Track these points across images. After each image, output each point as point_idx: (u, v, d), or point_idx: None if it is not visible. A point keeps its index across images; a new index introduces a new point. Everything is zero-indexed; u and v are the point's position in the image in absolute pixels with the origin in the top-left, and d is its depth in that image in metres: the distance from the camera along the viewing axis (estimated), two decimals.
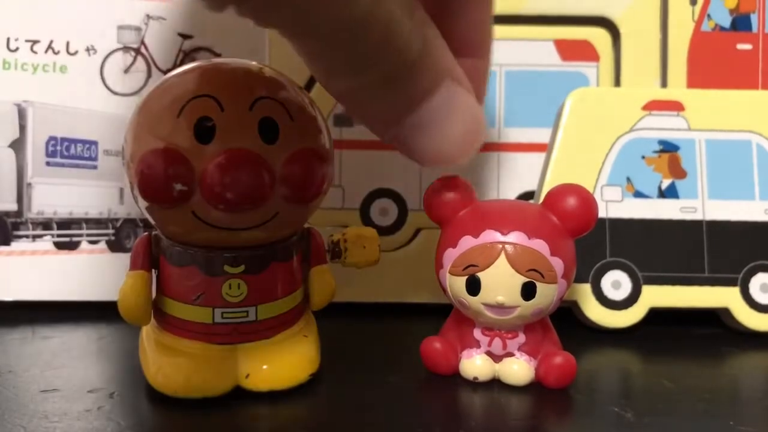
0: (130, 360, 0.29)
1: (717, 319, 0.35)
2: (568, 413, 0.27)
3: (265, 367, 0.27)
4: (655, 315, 0.34)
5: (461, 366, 0.28)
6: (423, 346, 0.28)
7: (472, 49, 0.27)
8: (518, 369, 0.27)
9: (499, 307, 0.26)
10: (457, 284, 0.27)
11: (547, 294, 0.26)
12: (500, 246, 0.26)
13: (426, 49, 0.22)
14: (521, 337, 0.28)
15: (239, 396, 0.26)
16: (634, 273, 0.34)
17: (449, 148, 0.25)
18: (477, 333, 0.28)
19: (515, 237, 0.26)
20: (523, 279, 0.26)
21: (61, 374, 0.29)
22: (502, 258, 0.26)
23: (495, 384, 0.28)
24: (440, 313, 0.36)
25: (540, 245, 0.26)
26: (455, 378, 0.28)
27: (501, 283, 0.26)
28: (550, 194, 0.28)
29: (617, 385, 0.30)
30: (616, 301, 0.34)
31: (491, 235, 0.26)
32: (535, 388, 0.27)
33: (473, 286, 0.26)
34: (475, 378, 0.28)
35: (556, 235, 0.27)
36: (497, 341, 0.28)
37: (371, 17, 0.20)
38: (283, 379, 0.27)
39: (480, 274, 0.26)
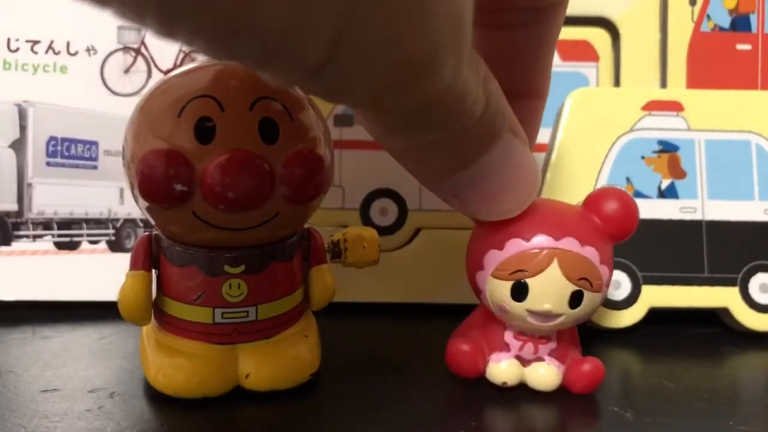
0: (131, 360, 0.29)
1: (717, 319, 0.35)
2: (567, 412, 0.27)
3: (265, 367, 0.27)
4: (655, 315, 0.34)
5: (489, 370, 0.27)
6: (450, 347, 0.27)
7: (534, 91, 0.27)
8: (545, 374, 0.27)
9: (545, 315, 0.25)
10: (499, 289, 0.26)
11: (592, 302, 0.26)
12: (553, 252, 0.25)
13: (488, 106, 0.21)
14: (552, 343, 0.27)
15: (239, 396, 0.26)
16: (634, 273, 0.34)
17: (504, 203, 0.24)
18: (508, 336, 0.27)
19: (568, 243, 0.25)
20: (573, 287, 0.25)
21: (61, 374, 0.29)
22: (554, 265, 0.25)
23: (496, 385, 0.28)
24: (440, 313, 0.36)
25: (591, 253, 0.25)
26: (455, 377, 0.28)
27: (550, 290, 0.25)
28: (590, 198, 0.27)
29: (617, 385, 0.30)
30: (616, 301, 0.34)
31: (544, 240, 0.25)
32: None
33: (520, 292, 0.25)
34: (504, 383, 0.27)
35: (603, 241, 0.26)
36: (529, 345, 0.27)
37: (450, 89, 0.19)
38: (284, 379, 0.27)
39: (528, 280, 0.25)
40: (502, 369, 0.27)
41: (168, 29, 0.15)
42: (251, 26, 0.15)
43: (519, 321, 0.26)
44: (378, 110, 0.20)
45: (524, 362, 0.27)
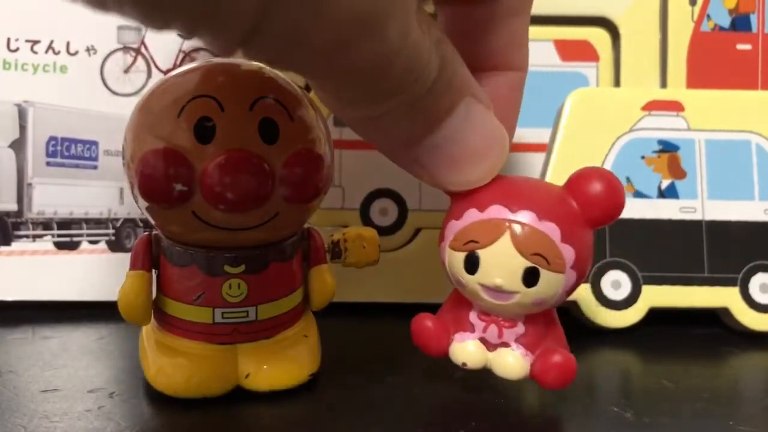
0: (131, 360, 0.29)
1: (717, 319, 0.35)
2: (568, 413, 0.27)
3: (265, 367, 0.27)
4: (655, 315, 0.34)
5: (451, 349, 0.26)
6: (414, 323, 0.27)
7: (510, 63, 0.26)
8: (512, 362, 0.25)
9: (497, 290, 0.24)
10: (456, 260, 0.25)
11: (551, 283, 0.24)
12: (506, 224, 0.24)
13: (444, 69, 0.21)
14: (520, 328, 0.25)
15: (239, 396, 0.26)
16: (634, 273, 0.34)
17: (470, 171, 0.24)
18: (473, 316, 0.26)
19: (524, 216, 0.23)
20: (527, 263, 0.23)
21: (61, 374, 0.29)
22: (506, 237, 0.23)
23: (497, 385, 0.28)
24: None
25: (550, 228, 0.23)
26: (456, 378, 0.28)
27: (501, 264, 0.24)
28: (573, 177, 0.25)
29: (617, 385, 0.30)
30: (615, 301, 0.34)
31: (498, 211, 0.24)
32: (536, 388, 0.27)
33: (472, 264, 0.24)
34: (464, 364, 0.26)
35: (572, 220, 0.24)
36: (493, 328, 0.25)
37: (399, 51, 0.19)
38: (284, 379, 0.27)
39: (480, 252, 0.24)
40: (464, 349, 0.26)
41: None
42: None
43: (475, 297, 0.25)
44: (328, 77, 0.20)
45: (489, 346, 0.26)
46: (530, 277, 0.24)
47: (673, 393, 0.28)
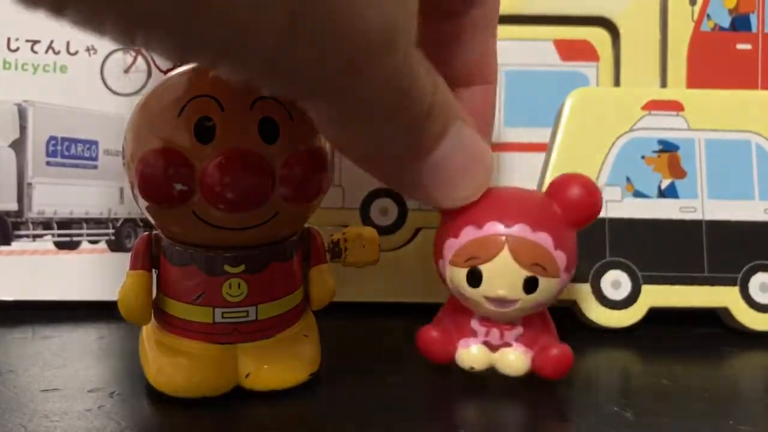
0: (131, 360, 0.29)
1: (717, 318, 0.35)
2: (568, 412, 0.27)
3: (265, 366, 0.27)
4: (655, 314, 0.34)
5: (458, 355, 0.28)
6: (420, 334, 0.28)
7: (479, 77, 0.27)
8: (515, 359, 0.27)
9: (500, 301, 0.26)
10: (457, 276, 0.26)
11: (549, 288, 0.26)
12: (503, 239, 0.25)
13: (437, 92, 0.22)
14: (519, 329, 0.27)
15: (239, 396, 0.26)
16: (634, 273, 0.34)
17: (463, 189, 0.25)
18: (474, 323, 0.27)
19: (519, 230, 0.25)
20: (526, 273, 0.25)
21: (61, 374, 0.29)
22: (505, 251, 0.25)
23: (497, 385, 0.28)
24: None
25: (543, 239, 0.25)
26: (456, 378, 0.28)
27: (503, 276, 0.25)
28: (553, 184, 0.27)
29: (617, 385, 0.30)
30: (615, 300, 0.34)
31: (494, 227, 0.25)
32: (536, 388, 0.27)
33: (475, 279, 0.26)
34: (472, 368, 0.27)
35: (560, 227, 0.26)
36: (495, 331, 0.27)
37: (402, 70, 0.19)
38: (284, 378, 0.27)
39: (482, 267, 0.25)
40: (470, 354, 0.27)
41: (128, 34, 0.15)
42: (206, 20, 0.15)
43: (478, 307, 0.27)
44: (337, 98, 0.20)
45: (492, 348, 0.27)
46: (530, 286, 0.25)
47: (673, 392, 0.28)
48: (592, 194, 0.26)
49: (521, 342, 0.27)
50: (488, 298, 0.26)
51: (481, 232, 0.26)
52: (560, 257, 0.26)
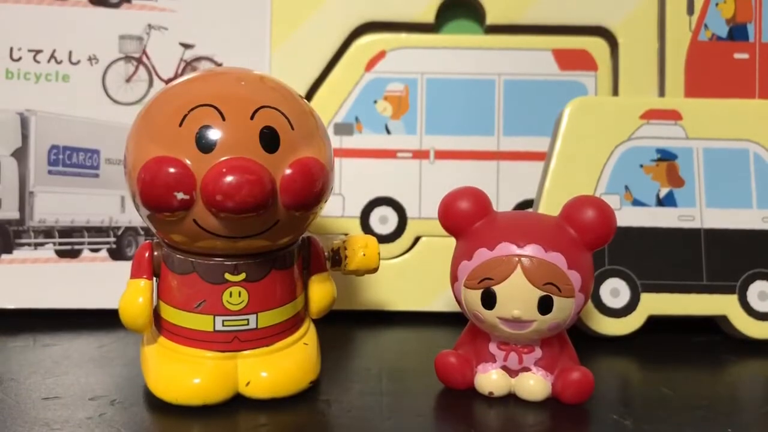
0: (131, 367, 0.30)
1: (715, 326, 0.35)
2: (567, 420, 0.27)
3: (265, 374, 0.27)
4: (654, 322, 0.34)
5: (476, 381, 0.28)
6: (438, 360, 0.28)
7: None
8: (534, 384, 0.27)
9: (515, 321, 0.26)
10: (472, 297, 0.26)
11: (564, 308, 0.26)
12: (516, 259, 0.25)
13: None
14: (537, 352, 0.27)
15: (240, 403, 0.26)
16: (633, 281, 0.34)
17: None
18: (492, 347, 0.27)
19: (531, 250, 0.26)
20: (540, 293, 0.25)
21: (62, 382, 0.29)
22: (518, 271, 0.25)
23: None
24: (440, 321, 0.36)
25: (557, 258, 0.26)
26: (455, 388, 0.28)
27: (517, 296, 0.26)
28: (567, 206, 0.27)
29: (616, 393, 0.30)
30: (615, 308, 0.34)
31: (507, 248, 0.26)
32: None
33: (489, 300, 0.26)
34: (491, 393, 0.27)
35: (574, 247, 0.26)
36: (513, 356, 0.27)
37: None
38: (284, 386, 0.27)
39: (495, 288, 0.26)
40: (488, 379, 0.27)
41: None
42: None
43: (494, 330, 0.27)
44: None
45: (511, 373, 0.27)
46: (545, 305, 0.26)
47: (672, 400, 0.28)
48: (606, 216, 0.27)
49: (540, 366, 0.27)
50: (503, 319, 0.26)
51: (494, 253, 0.26)
52: (574, 277, 0.26)
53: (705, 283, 0.34)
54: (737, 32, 0.38)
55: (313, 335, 0.29)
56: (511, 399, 0.27)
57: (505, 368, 0.27)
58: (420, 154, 0.38)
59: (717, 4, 0.38)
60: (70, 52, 0.38)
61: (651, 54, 0.39)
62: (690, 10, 0.38)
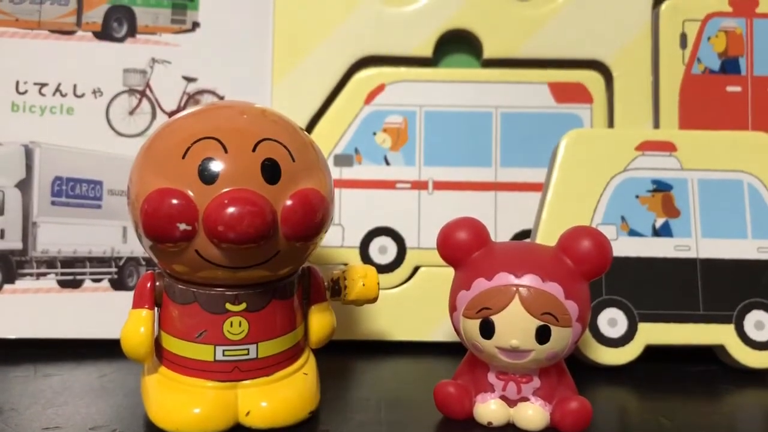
0: (132, 397, 0.30)
1: (713, 356, 0.35)
2: None
3: (265, 404, 0.27)
4: (652, 352, 0.34)
5: (475, 411, 0.28)
6: (437, 390, 0.28)
7: None
8: (533, 414, 0.27)
9: (513, 351, 0.26)
10: (470, 327, 0.27)
11: (561, 337, 0.26)
12: (514, 289, 0.26)
13: None
14: (536, 382, 0.27)
15: None
16: (630, 310, 0.35)
17: None
18: (491, 377, 0.28)
19: (529, 280, 0.26)
20: (538, 322, 0.26)
21: (63, 412, 0.29)
22: (516, 301, 0.26)
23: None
24: (439, 351, 0.36)
25: (554, 288, 0.26)
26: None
27: (515, 326, 0.26)
28: (564, 237, 0.27)
29: (614, 422, 0.30)
30: (612, 338, 0.34)
31: (505, 278, 0.26)
32: None
33: (487, 330, 0.26)
34: (489, 423, 0.27)
35: (571, 278, 0.26)
36: (511, 385, 0.27)
37: None
38: (283, 416, 0.27)
39: (494, 317, 0.26)
40: (487, 409, 0.27)
41: None
42: None
43: (493, 360, 0.27)
44: None
45: (510, 402, 0.27)
46: (542, 335, 0.26)
47: (670, 430, 0.28)
48: (602, 246, 0.27)
49: (539, 395, 0.27)
50: (501, 349, 0.26)
51: (492, 283, 0.26)
52: (572, 307, 0.26)
53: (702, 312, 0.35)
54: (729, 66, 0.39)
55: (313, 365, 0.29)
56: (510, 429, 0.27)
57: (503, 398, 0.27)
58: (419, 185, 0.39)
59: (709, 39, 0.39)
60: (75, 86, 0.38)
61: (645, 87, 0.39)
62: (683, 44, 0.39)
